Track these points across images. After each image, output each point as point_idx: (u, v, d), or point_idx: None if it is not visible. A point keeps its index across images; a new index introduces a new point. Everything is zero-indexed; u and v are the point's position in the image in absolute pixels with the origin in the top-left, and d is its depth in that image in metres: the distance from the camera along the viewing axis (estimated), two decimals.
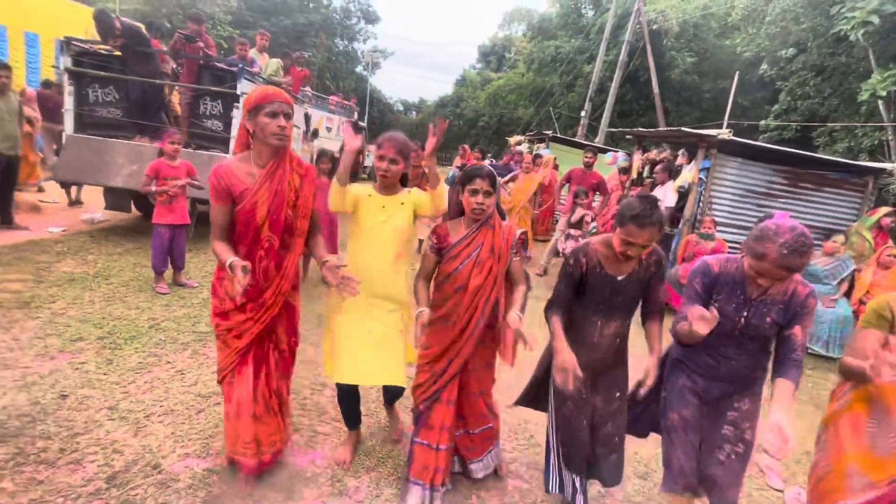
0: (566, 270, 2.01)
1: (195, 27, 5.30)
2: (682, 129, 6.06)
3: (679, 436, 1.88)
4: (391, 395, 2.51)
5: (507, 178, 7.28)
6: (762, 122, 16.55)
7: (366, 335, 2.12)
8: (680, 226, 5.89)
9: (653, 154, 7.15)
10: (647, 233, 1.76)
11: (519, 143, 13.90)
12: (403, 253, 2.19)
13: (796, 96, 15.84)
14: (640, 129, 11.22)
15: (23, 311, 3.42)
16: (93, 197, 6.65)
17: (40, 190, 7.05)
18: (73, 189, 6.75)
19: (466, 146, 10.00)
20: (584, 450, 2.07)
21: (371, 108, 37.63)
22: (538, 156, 9.61)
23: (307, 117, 8.50)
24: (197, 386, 2.81)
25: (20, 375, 2.66)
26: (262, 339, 2.02)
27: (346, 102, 14.41)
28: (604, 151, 9.70)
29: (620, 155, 8.43)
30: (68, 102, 5.32)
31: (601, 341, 2.01)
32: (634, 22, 16.13)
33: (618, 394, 2.09)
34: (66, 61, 5.27)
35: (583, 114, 17.98)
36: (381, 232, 2.13)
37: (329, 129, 11.10)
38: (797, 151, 5.75)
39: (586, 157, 6.14)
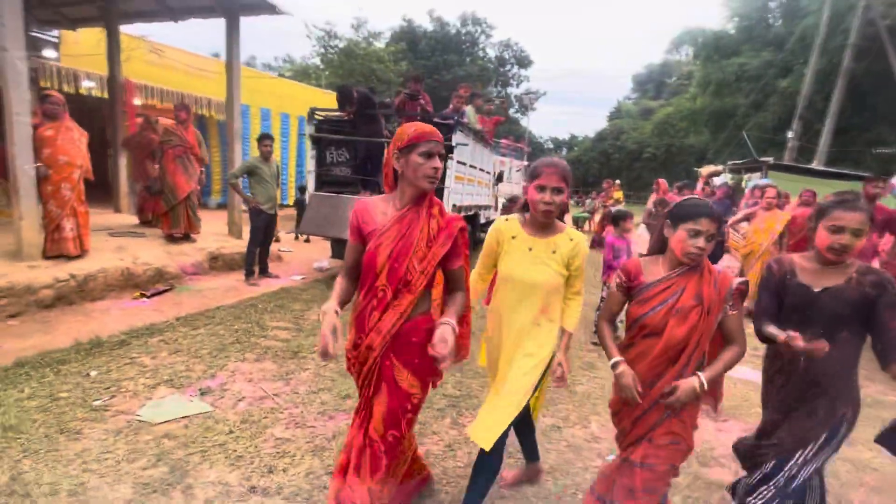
0: (764, 280, 1.90)
1: (415, 86, 5.64)
2: None
3: None
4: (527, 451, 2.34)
5: (738, 216, 6.15)
6: None
7: (494, 397, 1.90)
8: None
9: None
10: (858, 215, 1.67)
11: (715, 174, 12.24)
12: (549, 310, 1.90)
13: None
14: None
15: (294, 361, 3.65)
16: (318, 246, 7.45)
17: (277, 240, 8.14)
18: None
19: (662, 180, 9.00)
20: None
21: None
22: (756, 187, 8.14)
23: (494, 162, 8.52)
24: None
25: (310, 436, 2.68)
26: (362, 403, 1.83)
27: (517, 145, 14.53)
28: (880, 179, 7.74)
29: None
30: (310, 164, 6.01)
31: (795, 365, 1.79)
32: (863, 20, 13.31)
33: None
34: (309, 129, 6.01)
35: (790, 134, 15.29)
36: (522, 282, 1.88)
37: (503, 173, 11.12)
38: None
39: (873, 186, 4.79)
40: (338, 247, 6.29)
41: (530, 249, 1.87)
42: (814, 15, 20.49)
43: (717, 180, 11.78)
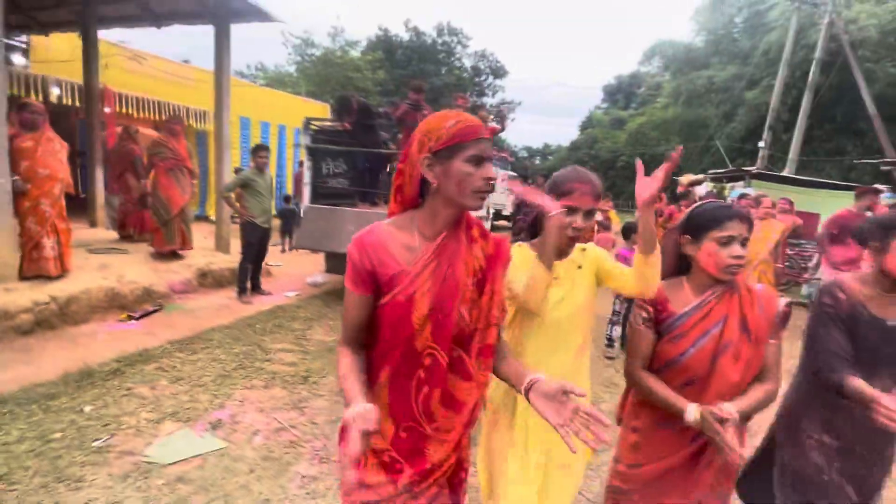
0: (826, 313, 1.54)
1: (416, 96, 5.52)
2: None
3: None
4: None
5: None
6: None
7: (535, 472, 1.54)
8: None
9: None
10: None
11: (696, 183, 12.50)
12: (587, 341, 1.62)
13: None
14: None
15: (305, 387, 3.43)
16: (307, 260, 7.20)
17: None
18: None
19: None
20: None
21: None
22: (743, 196, 8.34)
23: None
24: None
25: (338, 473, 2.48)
26: None
27: (501, 154, 14.55)
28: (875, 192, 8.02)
29: None
30: (306, 176, 5.80)
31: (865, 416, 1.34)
32: (827, 36, 13.95)
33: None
34: (305, 139, 5.80)
35: (761, 144, 15.81)
36: (557, 316, 1.51)
37: None
38: None
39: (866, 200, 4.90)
40: (332, 261, 6.07)
41: (555, 279, 1.48)
42: (776, 31, 21.50)
43: (700, 189, 12.05)
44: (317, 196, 5.83)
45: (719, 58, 25.00)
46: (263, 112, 12.54)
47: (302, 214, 5.77)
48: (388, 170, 5.94)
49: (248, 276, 5.48)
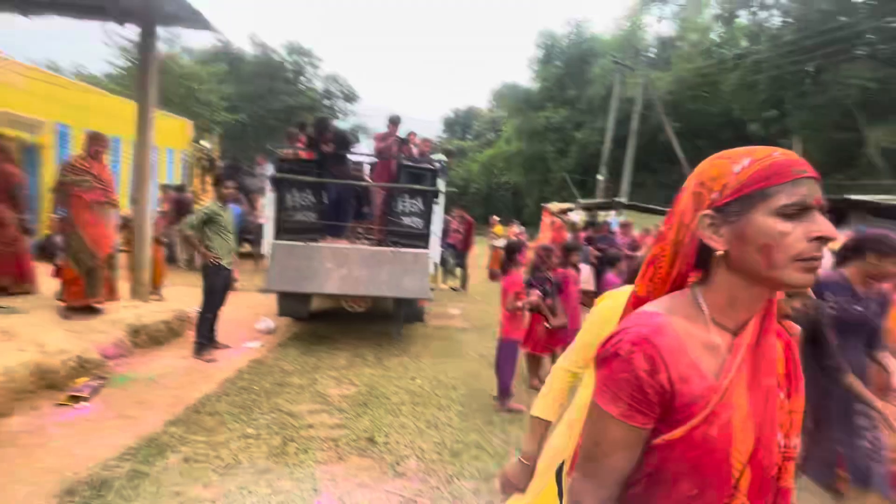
0: (829, 315, 2.13)
1: (394, 129, 5.34)
2: (846, 197, 6.51)
3: None
4: None
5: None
6: None
7: None
8: None
9: None
10: None
11: (566, 211, 14.34)
12: None
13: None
14: None
15: (377, 449, 3.07)
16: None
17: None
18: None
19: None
20: None
21: None
22: (622, 224, 9.97)
23: None
24: None
25: None
26: None
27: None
28: None
29: None
30: (270, 210, 5.13)
31: None
32: (642, 93, 17.65)
33: None
34: (269, 169, 5.14)
35: (599, 177, 19.00)
36: None
37: None
38: None
39: None
40: (289, 303, 5.41)
41: None
42: (597, 84, 26.18)
43: (573, 216, 13.87)
44: (281, 231, 5.20)
45: (553, 102, 29.25)
46: (112, 124, 10.32)
47: (266, 253, 5.07)
48: (360, 202, 5.61)
49: (211, 329, 4.58)
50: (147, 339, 4.68)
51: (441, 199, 5.41)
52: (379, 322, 5.99)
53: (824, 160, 16.61)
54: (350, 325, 5.88)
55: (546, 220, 14.69)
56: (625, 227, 9.65)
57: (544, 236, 12.66)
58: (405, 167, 5.49)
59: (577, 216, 13.73)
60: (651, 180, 24.48)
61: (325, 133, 4.97)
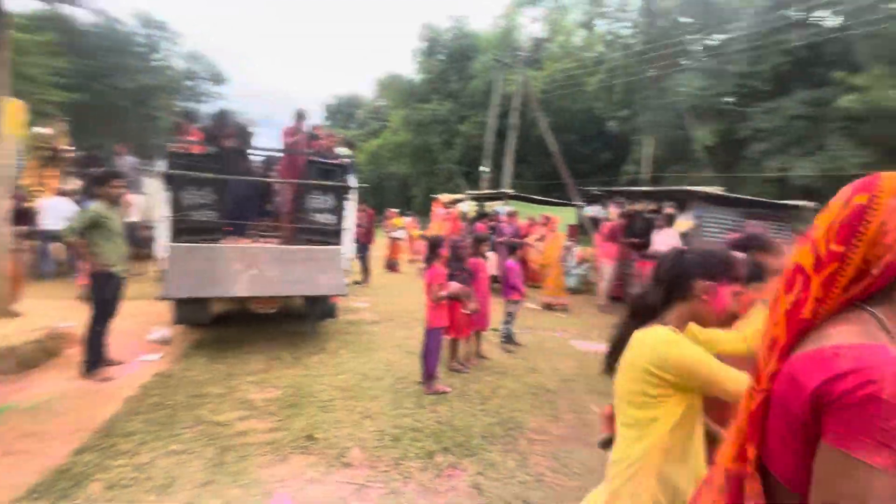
0: None
1: (301, 124, 5.14)
2: (687, 188, 7.88)
3: None
4: None
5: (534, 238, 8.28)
6: (624, 171, 20.72)
7: None
8: None
9: (639, 206, 8.93)
10: None
11: (456, 202, 14.96)
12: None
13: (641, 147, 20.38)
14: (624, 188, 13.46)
15: (318, 445, 3.13)
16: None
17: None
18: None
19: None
20: None
21: None
22: (508, 214, 10.83)
23: None
24: None
25: None
26: None
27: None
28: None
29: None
30: (164, 209, 4.69)
31: None
32: (521, 91, 19.02)
33: None
34: (161, 165, 4.68)
35: (483, 169, 20.09)
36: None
37: None
38: (750, 198, 8.01)
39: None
40: (188, 308, 5.04)
41: None
42: (478, 79, 27.46)
43: (463, 206, 14.53)
44: (179, 233, 4.79)
45: (438, 95, 29.99)
46: None
47: (163, 256, 4.65)
48: (264, 199, 5.36)
49: (102, 344, 4.09)
50: (16, 363, 4.04)
51: (353, 195, 5.45)
52: (290, 322, 5.85)
53: (666, 155, 19.66)
54: (260, 327, 5.64)
55: (438, 210, 15.19)
56: (511, 216, 10.49)
57: (436, 226, 13.05)
58: (315, 163, 5.40)
59: (468, 206, 14.43)
60: (529, 172, 26.56)
61: (226, 127, 4.67)
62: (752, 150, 15.72)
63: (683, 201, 7.91)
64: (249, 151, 5.14)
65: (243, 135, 4.91)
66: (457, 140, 28.35)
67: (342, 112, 53.86)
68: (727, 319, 1.35)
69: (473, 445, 3.25)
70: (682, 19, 18.19)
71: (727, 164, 17.25)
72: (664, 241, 7.05)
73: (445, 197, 16.50)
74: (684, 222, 7.80)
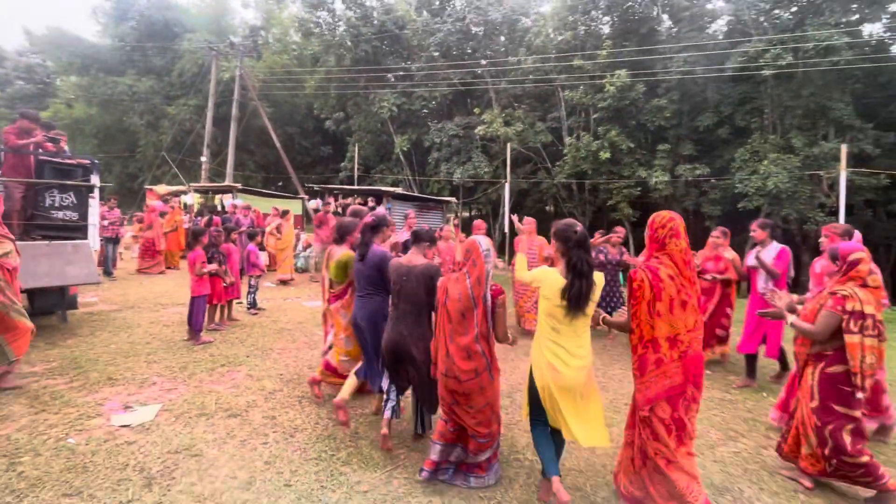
0: None
1: (28, 122, 5.20)
2: (381, 188, 10.91)
3: None
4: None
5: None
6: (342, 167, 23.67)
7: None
8: None
9: (348, 200, 11.62)
10: None
11: (178, 194, 14.54)
12: None
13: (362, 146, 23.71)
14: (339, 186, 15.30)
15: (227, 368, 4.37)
16: None
17: None
18: None
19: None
20: None
21: None
22: (236, 206, 12.06)
23: None
24: None
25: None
26: None
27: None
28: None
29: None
30: None
31: None
32: (239, 84, 19.46)
33: None
34: None
35: (203, 159, 19.64)
36: None
37: None
38: (421, 195, 11.77)
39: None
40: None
41: None
42: (186, 59, 25.66)
43: (185, 198, 14.44)
44: None
45: (136, 69, 26.39)
46: None
47: None
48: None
49: None
50: None
51: (96, 193, 6.07)
52: (35, 318, 5.97)
53: (374, 156, 23.57)
54: None
55: (153, 203, 14.37)
56: (247, 209, 11.75)
57: (152, 218, 12.17)
58: (50, 163, 5.74)
59: (192, 199, 14.49)
60: (251, 161, 26.80)
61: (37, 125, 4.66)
62: (432, 156, 21.03)
63: (381, 196, 11.04)
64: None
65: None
66: (163, 123, 25.84)
67: None
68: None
69: (241, 360, 5.05)
70: (382, 45, 22.21)
71: (420, 165, 22.26)
72: None
73: (162, 188, 15.66)
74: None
